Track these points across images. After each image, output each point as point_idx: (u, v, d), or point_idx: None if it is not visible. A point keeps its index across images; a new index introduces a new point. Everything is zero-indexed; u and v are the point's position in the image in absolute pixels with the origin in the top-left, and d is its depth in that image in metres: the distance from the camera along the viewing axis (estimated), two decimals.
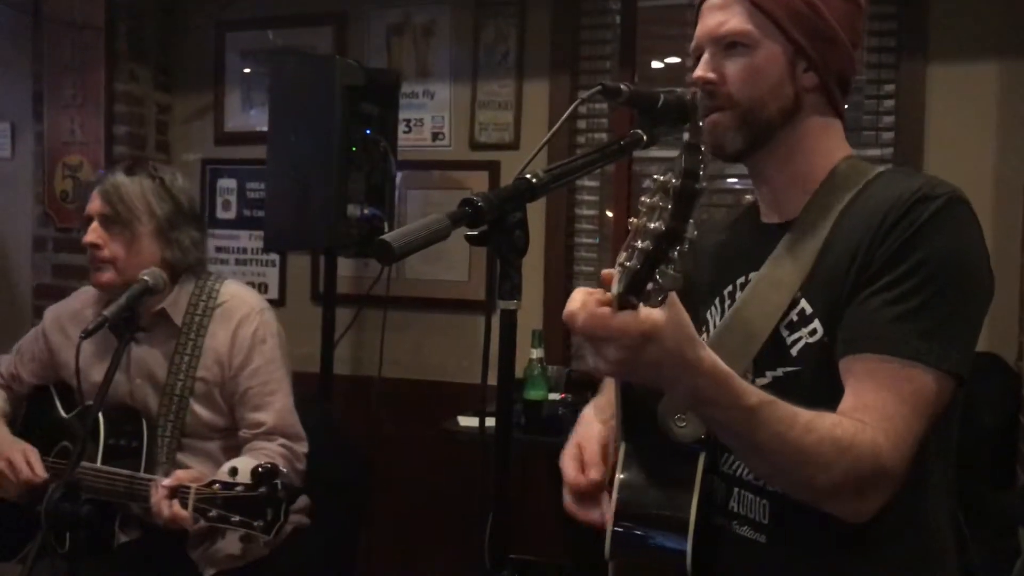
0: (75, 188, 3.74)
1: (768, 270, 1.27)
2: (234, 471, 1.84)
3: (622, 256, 0.95)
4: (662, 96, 1.25)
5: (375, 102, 3.07)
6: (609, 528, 1.23)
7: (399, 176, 3.26)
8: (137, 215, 2.11)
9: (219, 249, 3.81)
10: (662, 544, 1.20)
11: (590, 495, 1.32)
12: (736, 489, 1.29)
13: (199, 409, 2.15)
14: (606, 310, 0.96)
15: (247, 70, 3.83)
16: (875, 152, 3.11)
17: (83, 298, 2.33)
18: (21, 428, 2.28)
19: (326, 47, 3.65)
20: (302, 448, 2.18)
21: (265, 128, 3.20)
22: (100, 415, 2.10)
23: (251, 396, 2.15)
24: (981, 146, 2.99)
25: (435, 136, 3.57)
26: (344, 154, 2.93)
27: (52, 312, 2.37)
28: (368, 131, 3.03)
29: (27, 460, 2.12)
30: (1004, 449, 2.68)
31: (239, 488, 1.81)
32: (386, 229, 3.05)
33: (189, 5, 3.88)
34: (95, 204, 2.13)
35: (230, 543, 2.09)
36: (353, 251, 3.19)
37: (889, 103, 3.11)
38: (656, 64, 3.48)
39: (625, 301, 0.95)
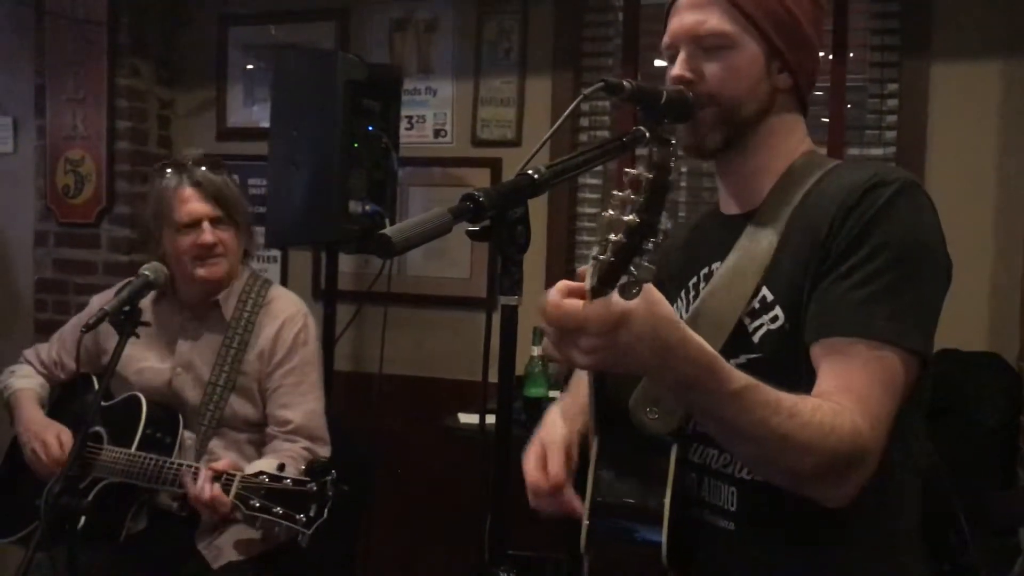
0: (76, 182, 3.75)
1: (731, 260, 1.30)
2: (282, 467, 1.89)
3: (595, 250, 0.96)
4: (664, 92, 1.25)
5: (377, 98, 3.06)
6: (584, 522, 1.24)
7: (401, 173, 3.25)
8: (239, 211, 2.24)
9: None
10: (637, 536, 1.21)
11: (551, 494, 1.33)
12: (706, 478, 1.30)
13: (238, 402, 2.22)
14: (576, 301, 0.97)
15: (249, 65, 3.82)
16: (878, 152, 3.11)
17: None
18: (57, 411, 2.32)
19: (328, 42, 3.64)
20: (324, 452, 2.23)
21: (267, 124, 3.20)
22: (144, 404, 2.18)
23: (283, 393, 2.22)
24: (984, 146, 2.98)
25: (437, 133, 3.57)
26: (346, 150, 2.92)
27: (99, 300, 2.41)
28: (370, 127, 3.03)
29: (59, 441, 2.18)
30: (1005, 449, 2.68)
31: (287, 481, 1.84)
32: (387, 226, 3.04)
33: (191, 0, 3.88)
34: (202, 207, 2.19)
35: (240, 532, 2.11)
36: (354, 247, 3.18)
37: (892, 103, 3.10)
38: (659, 62, 3.45)
39: (599, 293, 0.95)
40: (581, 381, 1.50)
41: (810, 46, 1.30)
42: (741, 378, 1.06)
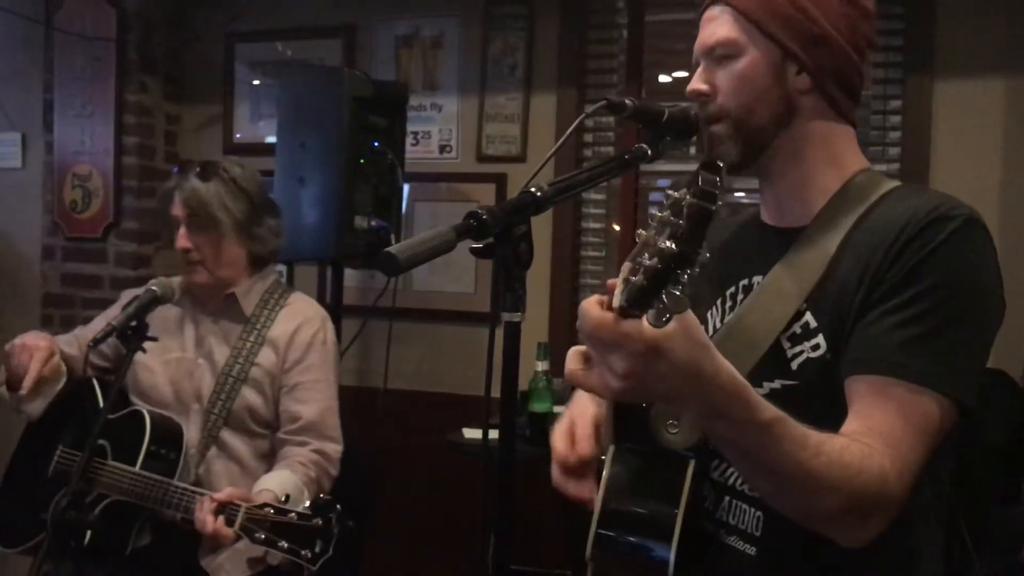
0: (84, 197, 3.78)
1: (773, 278, 1.25)
2: (287, 498, 1.90)
3: (626, 268, 0.92)
4: (666, 111, 1.25)
5: (383, 114, 3.08)
6: (592, 529, 1.21)
7: (406, 188, 3.27)
8: (218, 218, 2.22)
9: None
10: (645, 550, 1.18)
11: (578, 471, 1.30)
12: (727, 498, 1.27)
13: (249, 395, 2.23)
14: (611, 315, 0.93)
15: (256, 81, 3.85)
16: (881, 167, 3.11)
17: None
18: (59, 419, 2.30)
19: (335, 59, 3.67)
20: (335, 448, 2.25)
21: (273, 139, 3.22)
22: (148, 420, 2.18)
23: (298, 390, 2.25)
24: (987, 162, 2.99)
25: (442, 148, 3.58)
26: (352, 166, 2.94)
27: (130, 295, 2.40)
28: (376, 143, 3.04)
29: (36, 359, 2.16)
30: (1010, 466, 2.67)
31: (292, 515, 1.84)
32: (393, 241, 3.06)
33: (199, 17, 3.91)
34: (180, 211, 2.23)
35: (243, 549, 2.11)
36: (359, 262, 3.20)
37: (895, 119, 3.11)
38: (663, 78, 3.49)
39: (627, 313, 0.92)
40: None
41: (831, 44, 1.23)
42: (770, 409, 1.02)
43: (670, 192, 0.89)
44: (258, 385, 2.24)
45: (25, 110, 3.94)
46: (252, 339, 2.26)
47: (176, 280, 2.32)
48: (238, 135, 3.88)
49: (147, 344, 2.01)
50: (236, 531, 1.86)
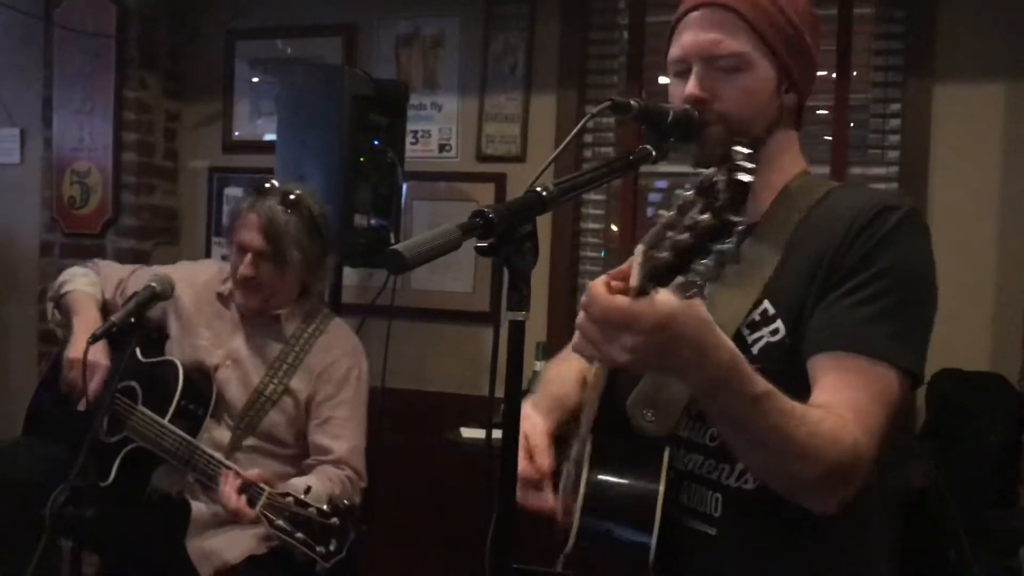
0: (82, 194, 3.77)
1: (730, 271, 1.29)
2: (308, 489, 1.91)
3: (641, 252, 0.95)
4: (671, 112, 1.26)
5: (383, 113, 3.08)
6: (575, 522, 1.25)
7: (405, 187, 3.26)
8: (291, 253, 2.23)
9: (224, 258, 3.81)
10: (626, 538, 1.23)
11: (538, 484, 1.36)
12: (685, 482, 1.32)
13: (277, 416, 2.25)
14: (623, 297, 0.97)
15: (256, 79, 3.85)
16: (880, 171, 3.12)
17: (209, 273, 2.42)
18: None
19: (335, 57, 3.67)
20: (360, 484, 2.28)
21: (273, 137, 3.22)
22: (181, 373, 2.21)
23: (330, 425, 2.26)
24: (987, 166, 2.99)
25: (442, 148, 3.58)
26: (351, 164, 2.94)
27: (184, 266, 2.47)
28: (376, 142, 3.04)
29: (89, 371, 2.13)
30: (1007, 468, 2.68)
31: (312, 510, 1.86)
32: (392, 240, 3.06)
33: (199, 14, 3.91)
34: (253, 238, 2.22)
35: (231, 538, 2.12)
36: (359, 261, 3.19)
37: (895, 122, 3.11)
38: (663, 79, 3.48)
39: (643, 291, 0.95)
40: (551, 377, 1.54)
41: (812, 60, 1.32)
42: (762, 383, 1.07)
43: (702, 170, 0.93)
44: (286, 407, 2.26)
45: (24, 106, 3.93)
46: (289, 361, 2.28)
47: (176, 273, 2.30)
48: (237, 132, 3.88)
49: (185, 318, 2.13)
50: (257, 512, 1.88)
